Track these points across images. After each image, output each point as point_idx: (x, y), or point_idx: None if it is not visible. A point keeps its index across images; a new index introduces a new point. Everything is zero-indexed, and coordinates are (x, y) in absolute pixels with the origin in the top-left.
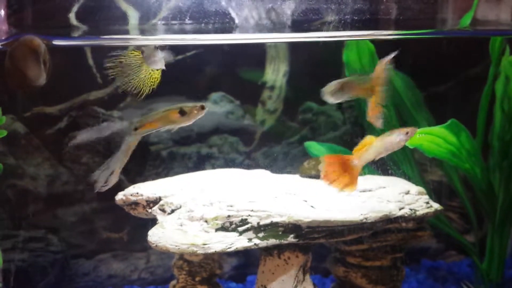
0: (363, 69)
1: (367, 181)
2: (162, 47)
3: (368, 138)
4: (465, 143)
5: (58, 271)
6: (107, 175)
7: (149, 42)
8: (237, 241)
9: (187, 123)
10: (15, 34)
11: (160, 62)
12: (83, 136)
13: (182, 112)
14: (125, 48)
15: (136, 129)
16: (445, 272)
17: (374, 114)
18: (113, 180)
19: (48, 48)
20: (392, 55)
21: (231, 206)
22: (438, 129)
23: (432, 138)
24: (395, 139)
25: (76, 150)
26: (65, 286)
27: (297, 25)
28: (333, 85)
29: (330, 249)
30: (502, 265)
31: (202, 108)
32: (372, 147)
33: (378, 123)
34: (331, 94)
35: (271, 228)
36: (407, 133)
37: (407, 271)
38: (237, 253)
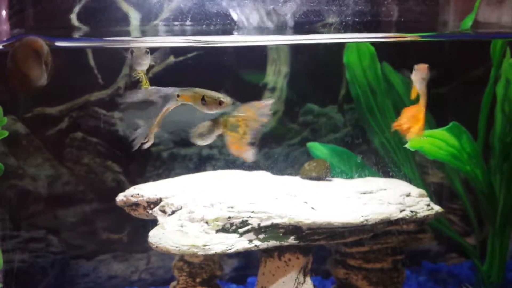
0: (364, 71)
1: (368, 183)
2: (153, 51)
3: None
4: (466, 146)
5: (58, 272)
6: (145, 132)
7: (150, 44)
8: (238, 243)
9: (205, 111)
10: (16, 35)
11: (146, 65)
12: (134, 96)
13: (203, 101)
14: (126, 49)
15: (178, 96)
16: (446, 275)
17: (239, 149)
18: (151, 139)
19: (51, 49)
20: (271, 101)
21: (232, 207)
22: (440, 132)
23: (433, 140)
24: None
25: (77, 150)
26: (65, 287)
27: (298, 27)
28: (202, 127)
29: (330, 251)
30: (503, 268)
31: (220, 103)
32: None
33: (249, 157)
34: (199, 136)
35: (271, 230)
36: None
37: (407, 273)
38: (237, 254)
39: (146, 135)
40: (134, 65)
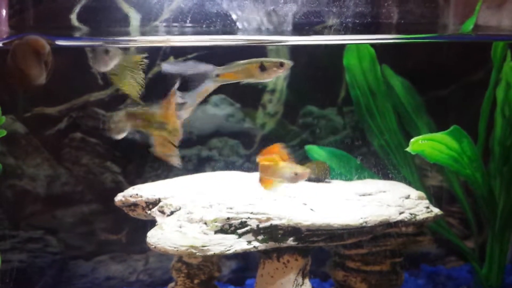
0: (364, 73)
1: (367, 185)
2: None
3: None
4: (466, 149)
5: (56, 272)
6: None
7: (150, 44)
8: (236, 244)
9: (266, 79)
10: (16, 34)
11: (108, 66)
12: (171, 67)
13: (262, 67)
14: (127, 49)
15: (218, 75)
16: (445, 278)
17: (163, 151)
18: (184, 115)
19: (52, 48)
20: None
21: (231, 208)
22: (441, 135)
23: (434, 144)
24: (288, 174)
25: (76, 150)
26: (63, 287)
27: (299, 28)
28: (117, 116)
29: (329, 253)
30: (502, 271)
31: (281, 65)
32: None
33: (174, 161)
34: (115, 128)
35: (270, 231)
36: (296, 174)
37: (406, 276)
38: (236, 256)
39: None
40: (94, 66)
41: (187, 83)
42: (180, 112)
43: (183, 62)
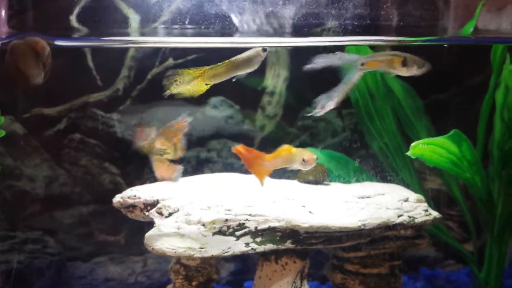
0: (363, 75)
1: (365, 187)
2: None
3: (286, 147)
4: (466, 153)
5: (54, 273)
6: (327, 101)
7: (149, 44)
8: (234, 246)
9: (404, 74)
10: (15, 34)
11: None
12: (321, 60)
13: (405, 63)
14: (125, 49)
15: (362, 64)
16: (444, 281)
17: (165, 174)
18: (331, 106)
19: (51, 48)
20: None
21: (229, 210)
22: (440, 139)
23: (433, 148)
24: (297, 162)
25: (75, 151)
26: None
27: (297, 30)
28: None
29: (328, 256)
30: (501, 275)
31: (423, 65)
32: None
33: (177, 179)
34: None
35: (268, 233)
36: (304, 160)
37: (405, 280)
38: (234, 258)
39: (325, 104)
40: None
41: None
42: (329, 103)
43: (330, 54)
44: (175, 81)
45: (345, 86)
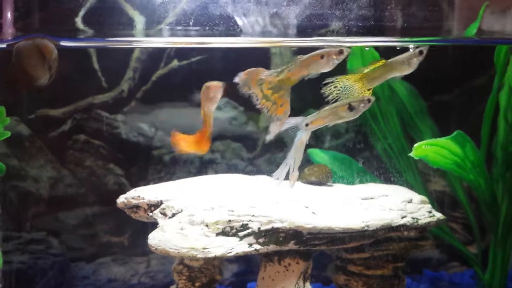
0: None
1: (369, 188)
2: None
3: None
4: (470, 155)
5: (57, 274)
6: (286, 172)
7: (154, 45)
8: (238, 246)
9: (354, 117)
10: (21, 36)
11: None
12: (273, 129)
13: (351, 108)
14: (130, 51)
15: (307, 125)
16: (447, 283)
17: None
18: (295, 175)
19: (57, 48)
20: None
21: (232, 211)
22: (444, 140)
23: (437, 149)
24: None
25: (79, 152)
26: None
27: (301, 31)
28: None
29: (331, 257)
30: (505, 277)
31: (369, 101)
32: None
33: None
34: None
35: (272, 234)
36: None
37: (408, 282)
38: (237, 259)
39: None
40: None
41: None
42: (290, 171)
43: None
44: (335, 87)
45: (296, 148)
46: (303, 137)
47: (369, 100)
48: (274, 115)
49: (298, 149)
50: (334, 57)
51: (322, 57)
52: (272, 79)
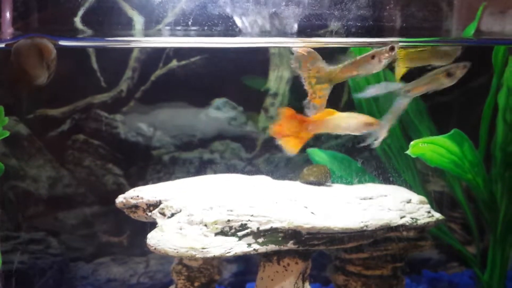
0: (366, 77)
1: (367, 188)
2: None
3: (329, 111)
4: (467, 154)
5: (57, 274)
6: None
7: (153, 45)
8: (236, 246)
9: (452, 83)
10: (20, 36)
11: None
12: (370, 91)
13: (449, 74)
14: (129, 51)
15: (408, 91)
16: (447, 284)
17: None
18: (382, 135)
19: (56, 47)
20: None
21: (231, 210)
22: (441, 139)
23: (434, 147)
24: (354, 123)
25: (78, 152)
26: None
27: (300, 31)
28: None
29: (330, 257)
30: (504, 277)
31: (465, 66)
32: (331, 119)
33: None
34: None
35: (271, 234)
36: (370, 124)
37: (407, 282)
38: (236, 259)
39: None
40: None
41: None
42: (380, 133)
43: (377, 85)
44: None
45: (393, 114)
46: (402, 103)
47: (464, 66)
48: (312, 103)
49: (395, 114)
50: (386, 55)
51: (373, 57)
52: (322, 69)
